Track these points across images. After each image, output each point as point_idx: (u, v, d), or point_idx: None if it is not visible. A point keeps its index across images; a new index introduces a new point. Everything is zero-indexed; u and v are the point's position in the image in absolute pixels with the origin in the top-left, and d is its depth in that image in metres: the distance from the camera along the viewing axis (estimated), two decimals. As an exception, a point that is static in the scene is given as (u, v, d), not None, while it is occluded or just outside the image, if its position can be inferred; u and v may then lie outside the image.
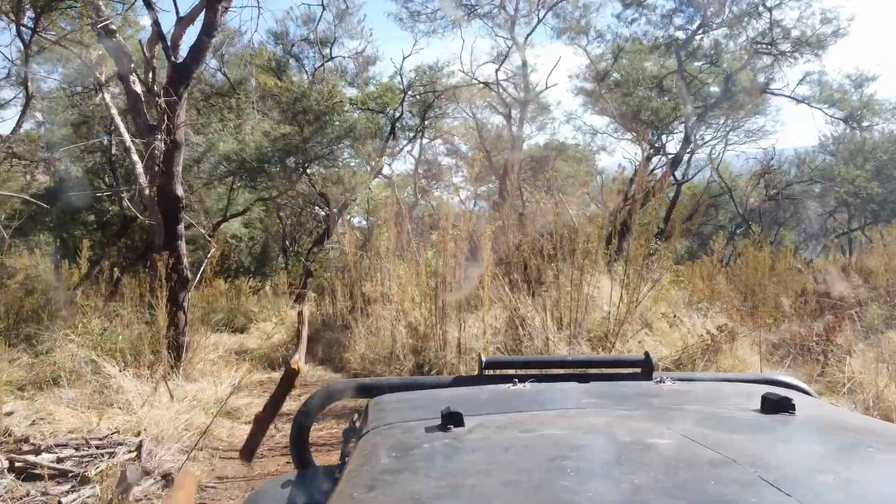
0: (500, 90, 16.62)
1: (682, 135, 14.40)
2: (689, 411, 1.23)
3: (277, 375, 8.72)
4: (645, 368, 1.55)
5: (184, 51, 7.21)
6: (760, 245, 11.33)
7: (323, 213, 18.59)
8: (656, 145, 15.62)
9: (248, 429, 5.63)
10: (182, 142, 6.70)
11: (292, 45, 15.22)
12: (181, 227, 6.86)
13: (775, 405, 1.15)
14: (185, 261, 6.93)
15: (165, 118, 6.41)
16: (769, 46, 12.93)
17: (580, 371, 1.58)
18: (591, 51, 15.07)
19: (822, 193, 19.44)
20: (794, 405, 1.15)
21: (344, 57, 15.99)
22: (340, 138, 12.58)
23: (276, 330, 13.48)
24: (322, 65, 15.65)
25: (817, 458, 0.95)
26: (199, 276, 7.22)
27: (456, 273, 6.68)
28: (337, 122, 12.23)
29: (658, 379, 1.50)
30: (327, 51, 15.51)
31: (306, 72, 15.58)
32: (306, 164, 12.94)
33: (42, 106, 15.76)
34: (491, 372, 1.58)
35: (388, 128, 17.35)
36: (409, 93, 18.27)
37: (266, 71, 14.77)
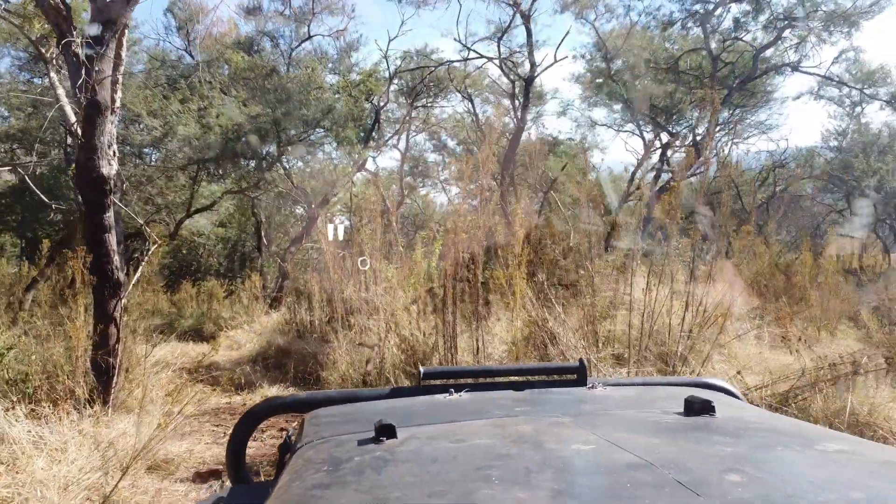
0: (502, 65, 15.05)
1: (693, 121, 13.06)
2: (616, 416, 1.26)
3: (240, 400, 7.18)
4: (580, 375, 1.55)
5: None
6: (799, 248, 9.94)
7: (301, 209, 17.07)
8: (673, 131, 14.21)
9: (183, 492, 4.11)
10: (107, 104, 5.17)
11: (266, 21, 13.67)
12: (109, 215, 5.32)
13: (697, 408, 1.19)
14: (116, 259, 5.38)
15: (84, 72, 4.88)
16: (798, 22, 11.58)
17: (515, 379, 1.58)
18: (600, 27, 13.66)
19: (833, 189, 18.26)
20: (714, 407, 1.19)
21: (323, 36, 14.46)
22: (317, 120, 11.02)
23: (248, 338, 12.10)
24: (300, 44, 14.11)
25: (730, 458, 0.95)
26: (135, 278, 5.67)
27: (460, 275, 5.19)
28: (313, 102, 10.68)
29: (591, 385, 1.52)
30: (305, 29, 13.95)
31: (282, 53, 14.04)
32: (280, 151, 11.37)
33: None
34: (429, 382, 1.56)
35: (373, 117, 15.88)
36: (396, 80, 16.80)
37: (236, 51, 13.20)
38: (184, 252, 15.61)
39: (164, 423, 4.35)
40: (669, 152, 14.22)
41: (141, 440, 4.04)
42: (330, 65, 16.33)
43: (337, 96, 12.12)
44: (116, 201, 5.74)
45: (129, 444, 4.14)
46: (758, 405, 3.02)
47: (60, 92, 11.06)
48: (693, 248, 5.46)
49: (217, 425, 5.72)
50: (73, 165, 5.48)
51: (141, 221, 5.74)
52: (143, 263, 5.60)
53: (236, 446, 1.47)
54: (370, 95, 15.27)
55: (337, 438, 1.16)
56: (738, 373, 3.78)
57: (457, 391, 1.46)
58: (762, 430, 1.14)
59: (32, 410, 4.39)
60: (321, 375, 7.27)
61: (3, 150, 15.57)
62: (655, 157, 17.32)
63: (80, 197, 5.26)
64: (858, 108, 16.28)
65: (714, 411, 1.17)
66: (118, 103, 9.67)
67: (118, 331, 5.50)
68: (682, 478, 0.84)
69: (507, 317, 5.46)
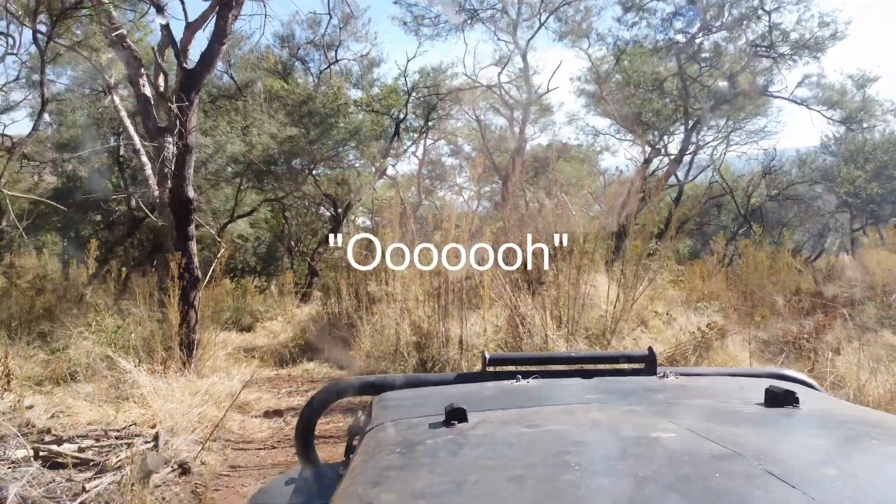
0: (503, 92, 16.83)
1: (682, 136, 14.61)
2: (692, 405, 1.24)
3: (285, 372, 8.96)
4: (648, 364, 1.55)
5: (193, 55, 7.46)
6: (760, 245, 11.50)
7: (328, 213, 18.80)
8: (657, 146, 15.79)
9: (258, 423, 5.86)
10: (193, 146, 6.92)
11: (298, 49, 15.48)
12: (192, 228, 7.09)
13: (779, 399, 1.16)
14: (196, 260, 7.15)
15: (178, 122, 6.63)
16: (768, 49, 13.10)
17: (583, 367, 1.58)
18: (593, 53, 15.33)
19: (822, 193, 19.59)
20: (797, 398, 1.16)
21: (349, 60, 16.26)
22: (346, 140, 12.82)
23: (282, 329, 13.74)
24: (328, 67, 15.91)
25: (822, 451, 0.95)
26: (209, 275, 7.44)
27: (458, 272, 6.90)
28: (342, 125, 12.46)
29: (662, 374, 1.50)
30: (332, 54, 15.75)
31: (312, 74, 15.86)
32: (312, 166, 13.17)
33: (52, 108, 16.01)
34: (493, 369, 1.57)
35: (393, 129, 17.59)
36: (413, 94, 18.50)
37: (272, 74, 15.02)
38: (228, 253, 17.47)
39: (242, 381, 6.10)
40: (655, 163, 15.81)
41: (231, 391, 5.80)
42: (354, 81, 18.17)
43: (361, 117, 13.87)
44: (196, 218, 7.50)
45: (219, 390, 5.90)
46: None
47: (123, 114, 12.91)
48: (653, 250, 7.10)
49: (274, 387, 7.48)
50: (167, 190, 7.23)
51: (213, 231, 7.49)
52: (215, 263, 7.36)
53: (305, 428, 1.49)
54: (390, 109, 17.00)
55: (407, 421, 1.17)
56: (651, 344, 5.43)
57: (524, 378, 1.46)
58: (852, 421, 1.12)
59: (149, 368, 6.16)
60: (349, 354, 9.00)
61: (52, 156, 17.33)
62: (652, 166, 18.84)
63: (171, 215, 7.02)
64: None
65: (798, 402, 1.15)
66: (194, 141, 11.50)
67: (196, 315, 7.27)
68: (773, 469, 0.82)
69: (493, 304, 7.12)
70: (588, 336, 5.96)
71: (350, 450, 1.44)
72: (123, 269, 12.24)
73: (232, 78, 15.00)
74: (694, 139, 14.22)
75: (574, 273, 6.73)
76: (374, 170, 17.70)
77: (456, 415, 1.11)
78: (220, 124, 12.44)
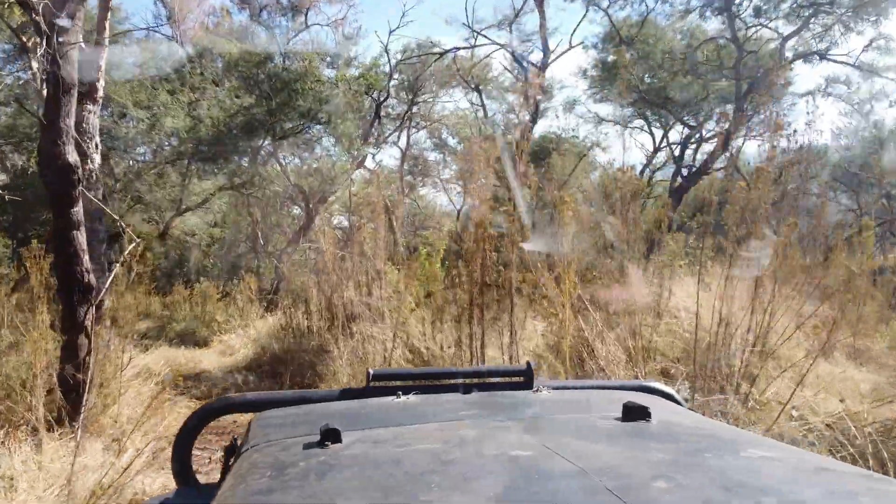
0: (514, 53, 14.39)
1: (715, 114, 12.38)
2: (557, 421, 1.29)
3: (230, 419, 6.52)
4: (527, 378, 1.56)
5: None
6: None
7: (298, 209, 16.41)
8: (692, 125, 13.55)
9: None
10: (73, 82, 4.49)
11: (261, 11, 12.98)
12: (78, 209, 4.65)
13: (634, 413, 1.21)
14: (86, 260, 4.71)
15: (44, 42, 4.21)
16: (831, 5, 10.91)
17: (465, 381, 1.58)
18: (613, 14, 12.93)
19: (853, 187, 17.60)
20: (650, 413, 1.20)
21: (321, 25, 13.79)
22: (315, 112, 10.34)
23: (242, 345, 11.48)
24: (296, 34, 13.45)
25: (660, 464, 0.98)
26: (109, 281, 4.99)
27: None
28: (310, 93, 10.00)
29: (537, 388, 1.53)
30: (301, 18, 13.29)
31: (277, 44, 13.37)
32: (275, 145, 10.69)
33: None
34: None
35: (373, 111, 15.22)
36: (397, 75, 16.16)
37: (229, 40, 12.53)
38: (177, 253, 14.97)
39: (137, 453, 3.69)
40: (689, 146, 13.56)
41: (109, 474, 3.37)
42: (328, 59, 15.69)
43: (336, 91, 11.44)
44: (93, 197, 5.08)
45: (91, 479, 3.47)
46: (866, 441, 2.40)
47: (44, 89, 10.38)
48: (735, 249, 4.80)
49: (202, 448, 5.05)
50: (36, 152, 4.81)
51: (116, 216, 5.05)
52: (117, 266, 4.93)
53: (182, 448, 1.45)
54: (370, 89, 14.61)
55: (283, 442, 1.17)
56: (842, 400, 3.12)
57: (405, 393, 1.47)
58: (695, 435, 1.19)
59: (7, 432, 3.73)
60: (319, 388, 6.60)
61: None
62: (664, 154, 16.67)
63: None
64: (868, 106, 15.63)
65: (650, 417, 1.20)
66: (101, 92, 8.87)
67: (90, 341, 4.82)
68: (612, 484, 0.87)
69: (535, 324, 4.81)
70: (705, 380, 3.62)
71: (226, 471, 1.33)
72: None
73: (181, 45, 12.52)
74: (741, 115, 11.82)
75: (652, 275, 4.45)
76: (350, 158, 15.31)
77: (330, 435, 1.11)
78: (160, 96, 9.94)
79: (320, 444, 1.08)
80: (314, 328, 8.22)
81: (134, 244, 5.27)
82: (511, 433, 1.16)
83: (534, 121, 14.58)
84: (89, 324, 4.80)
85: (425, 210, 27.28)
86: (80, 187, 4.63)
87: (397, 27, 26.25)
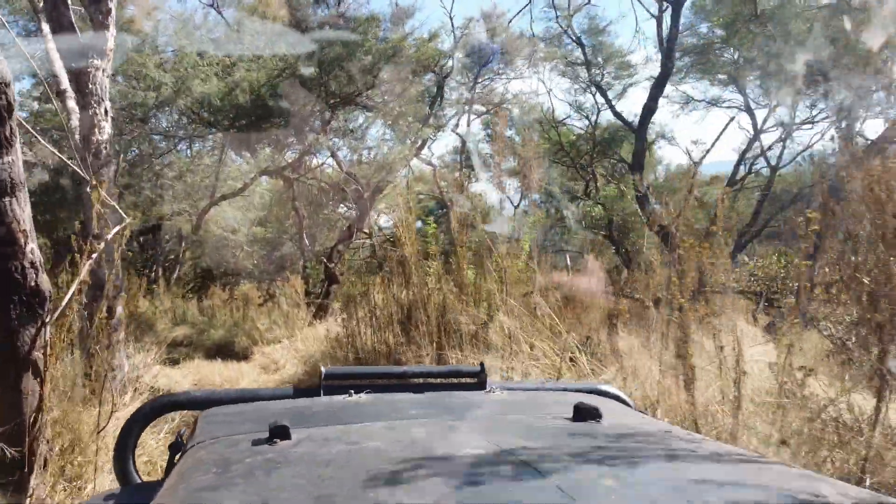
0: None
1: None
2: (508, 421, 1.27)
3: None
4: (479, 379, 1.54)
5: None
6: None
7: (344, 207, 14.58)
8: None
9: None
10: None
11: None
12: (13, 159, 2.69)
13: (585, 414, 1.21)
14: (32, 248, 2.76)
15: None
16: None
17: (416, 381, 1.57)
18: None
19: None
20: (600, 414, 1.20)
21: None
22: (377, 67, 8.26)
23: (287, 357, 9.88)
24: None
25: (608, 463, 0.97)
26: (74, 287, 3.01)
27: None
28: (371, 44, 7.96)
29: (490, 389, 1.51)
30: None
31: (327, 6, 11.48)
32: (329, 116, 8.71)
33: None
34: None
35: (435, 89, 13.23)
36: (460, 52, 14.13)
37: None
38: (214, 251, 13.32)
39: None
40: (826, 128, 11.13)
41: None
42: (382, 31, 13.76)
43: (399, 55, 9.45)
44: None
45: None
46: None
47: (51, 45, 8.61)
48: None
49: None
50: None
51: (111, 199, 3.13)
52: (86, 258, 2.96)
53: (123, 446, 1.41)
54: (433, 62, 12.61)
55: (230, 438, 1.12)
56: None
57: (357, 392, 1.45)
58: (643, 435, 1.18)
59: None
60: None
61: None
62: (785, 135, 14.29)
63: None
64: None
65: (601, 417, 1.20)
66: (111, 42, 7.17)
67: (42, 384, 2.85)
68: (562, 483, 0.86)
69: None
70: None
71: (171, 467, 1.28)
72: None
73: (216, 8, 10.73)
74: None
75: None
76: (409, 142, 13.35)
77: (279, 432, 1.08)
78: (189, 57, 8.11)
79: (269, 441, 1.05)
80: (386, 343, 6.20)
81: (123, 224, 3.30)
82: (462, 433, 1.15)
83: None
84: (38, 354, 2.83)
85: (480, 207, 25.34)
86: (12, 121, 2.65)
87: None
